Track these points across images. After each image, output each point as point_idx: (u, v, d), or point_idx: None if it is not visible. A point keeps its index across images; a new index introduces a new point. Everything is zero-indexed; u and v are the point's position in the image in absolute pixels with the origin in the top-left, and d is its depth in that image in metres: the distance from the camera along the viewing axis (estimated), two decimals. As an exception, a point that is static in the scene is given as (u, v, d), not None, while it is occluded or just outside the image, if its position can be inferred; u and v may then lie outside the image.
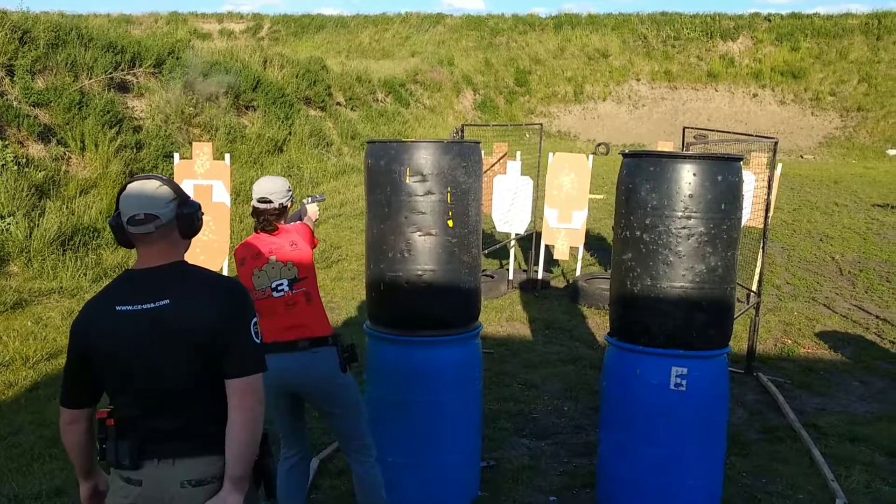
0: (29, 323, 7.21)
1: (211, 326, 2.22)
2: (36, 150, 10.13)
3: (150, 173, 2.44)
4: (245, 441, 2.24)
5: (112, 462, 2.29)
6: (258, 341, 2.30)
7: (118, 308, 2.25)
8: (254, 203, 3.56)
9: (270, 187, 3.57)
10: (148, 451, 2.27)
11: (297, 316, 3.45)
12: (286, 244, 3.52)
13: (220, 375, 2.25)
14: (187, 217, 2.33)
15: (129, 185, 2.32)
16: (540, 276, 9.49)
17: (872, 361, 6.96)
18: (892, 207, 14.97)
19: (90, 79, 11.74)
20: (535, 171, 9.66)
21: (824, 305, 8.76)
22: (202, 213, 2.42)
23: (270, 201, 3.54)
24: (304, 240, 3.60)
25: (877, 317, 8.34)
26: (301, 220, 3.85)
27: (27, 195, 9.09)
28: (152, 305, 2.23)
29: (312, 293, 3.53)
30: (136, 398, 2.28)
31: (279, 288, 3.46)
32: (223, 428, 2.25)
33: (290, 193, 3.65)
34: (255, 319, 2.31)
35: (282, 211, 3.59)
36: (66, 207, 9.55)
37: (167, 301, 2.23)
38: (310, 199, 4.02)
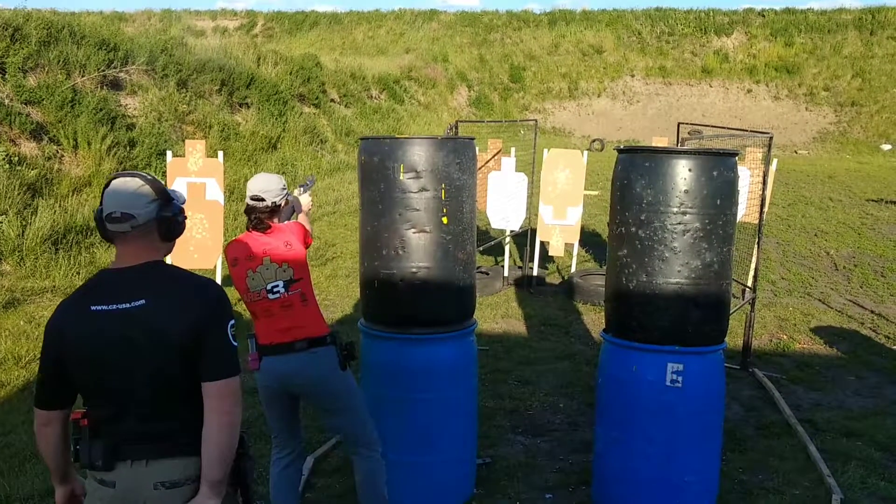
0: (21, 322, 7.17)
1: (188, 328, 2.18)
2: (28, 148, 10.07)
3: (137, 171, 2.39)
4: (222, 444, 2.20)
5: (86, 463, 2.27)
6: (235, 343, 2.27)
7: (93, 308, 2.21)
8: (247, 200, 3.52)
9: (263, 185, 3.52)
10: (121, 453, 2.24)
11: (294, 317, 3.42)
12: (281, 244, 3.46)
13: (195, 377, 2.22)
14: (167, 220, 2.30)
15: (112, 181, 2.30)
16: (535, 272, 9.47)
17: (867, 356, 6.97)
18: (887, 202, 14.98)
19: (83, 76, 11.67)
20: (530, 167, 9.64)
21: (819, 301, 8.76)
22: (184, 217, 2.39)
23: (263, 199, 3.48)
24: (298, 239, 3.55)
25: (871, 311, 8.35)
26: (294, 214, 3.79)
27: (19, 194, 9.04)
28: (128, 305, 2.19)
29: (307, 293, 3.49)
30: (109, 399, 2.25)
31: (275, 290, 3.41)
32: (198, 430, 2.21)
33: (286, 192, 3.59)
34: (231, 322, 2.27)
35: (274, 209, 3.53)
36: (59, 206, 9.50)
37: (143, 301, 2.20)
38: (300, 188, 3.95)
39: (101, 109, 11.24)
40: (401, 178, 3.84)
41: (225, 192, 7.75)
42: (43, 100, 10.68)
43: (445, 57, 30.87)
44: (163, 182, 2.35)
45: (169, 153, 7.74)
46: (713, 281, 3.78)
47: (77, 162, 10.51)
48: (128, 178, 2.29)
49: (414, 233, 3.89)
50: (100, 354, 2.21)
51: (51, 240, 8.80)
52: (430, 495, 4.12)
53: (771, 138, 6.96)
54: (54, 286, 8.06)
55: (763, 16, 31.96)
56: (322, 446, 4.82)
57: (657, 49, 31.89)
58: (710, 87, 30.33)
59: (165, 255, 2.38)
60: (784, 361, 6.84)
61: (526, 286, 9.30)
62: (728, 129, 8.00)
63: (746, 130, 8.62)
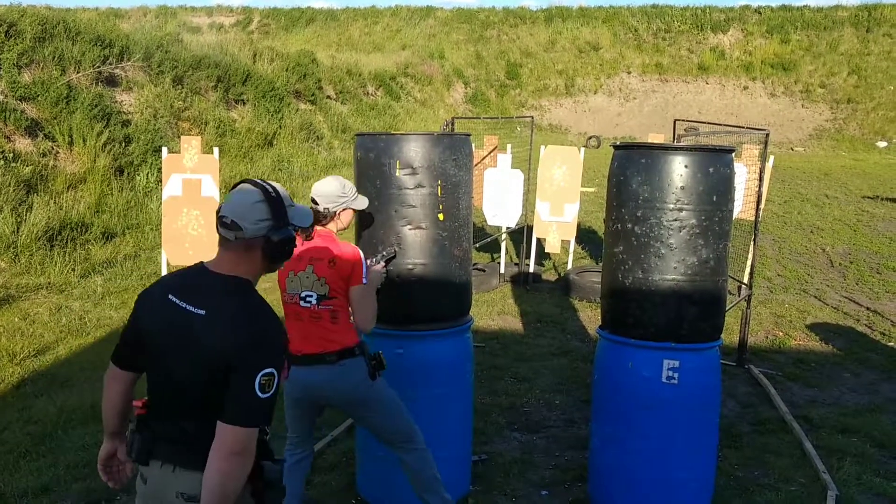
0: (16, 319, 7.15)
1: (225, 353, 2.11)
2: (23, 144, 10.04)
3: (267, 182, 2.30)
4: (214, 491, 2.07)
5: (129, 452, 2.31)
6: (261, 395, 2.10)
7: (170, 296, 2.23)
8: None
9: (320, 189, 3.46)
10: (156, 452, 2.24)
11: (321, 330, 3.39)
12: (326, 260, 3.38)
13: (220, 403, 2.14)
14: (271, 244, 2.24)
15: (239, 185, 2.28)
16: (531, 269, 9.47)
17: (863, 353, 6.98)
18: (882, 199, 15.01)
19: (78, 73, 11.64)
20: (527, 164, 9.63)
21: (815, 297, 8.77)
22: (293, 246, 2.31)
23: (317, 203, 3.44)
24: (345, 267, 3.37)
25: (867, 308, 8.36)
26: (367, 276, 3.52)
27: (14, 190, 9.02)
28: (192, 309, 2.18)
29: (339, 312, 3.41)
30: (156, 390, 2.28)
31: (307, 299, 3.39)
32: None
33: (344, 200, 3.48)
34: (267, 370, 2.11)
35: (327, 216, 3.45)
36: (54, 202, 9.48)
37: (204, 312, 2.17)
38: (377, 257, 3.76)
39: (96, 106, 11.21)
40: (397, 174, 3.83)
41: (221, 189, 7.72)
42: (38, 96, 10.66)
43: (442, 54, 30.85)
44: (288, 201, 2.29)
45: (164, 149, 7.71)
46: (709, 277, 3.78)
47: (72, 158, 10.48)
48: (251, 188, 2.25)
49: (410, 229, 3.88)
50: (156, 341, 2.23)
51: (46, 236, 8.79)
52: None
53: (767, 135, 6.96)
54: (49, 283, 8.05)
55: (759, 13, 31.98)
56: (318, 443, 4.80)
57: (654, 46, 31.90)
58: (707, 84, 30.35)
59: (265, 273, 2.33)
60: (780, 358, 6.85)
61: (522, 283, 9.30)
62: (724, 125, 8.00)
63: (743, 127, 8.63)
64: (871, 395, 6.01)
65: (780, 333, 7.52)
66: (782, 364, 6.67)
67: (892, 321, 7.89)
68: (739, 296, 7.54)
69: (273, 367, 2.13)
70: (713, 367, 3.96)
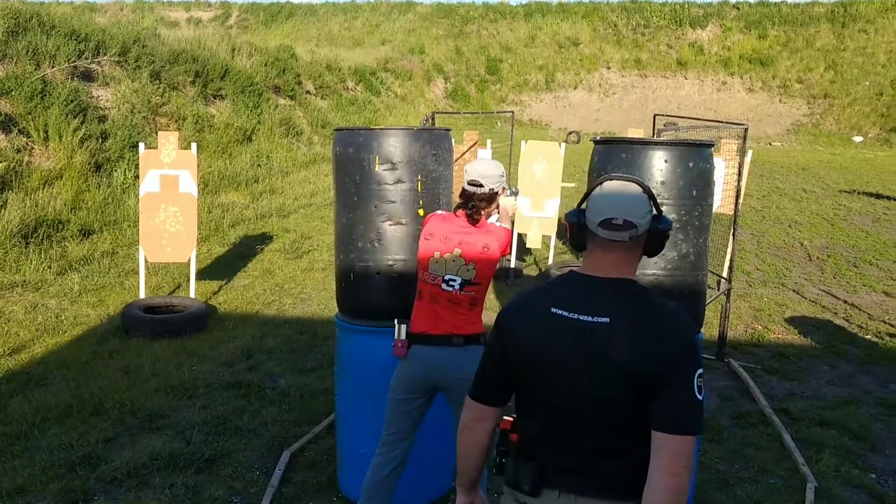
0: (-9, 317, 7.05)
1: (649, 364, 1.92)
2: (-3, 140, 9.89)
3: (631, 175, 2.15)
4: None
5: (510, 482, 2.12)
6: (699, 398, 1.94)
7: (553, 309, 2.03)
8: (464, 185, 3.36)
9: (484, 170, 3.36)
10: (550, 480, 2.05)
11: (456, 315, 3.31)
12: (479, 244, 3.32)
13: (645, 417, 1.94)
14: (660, 234, 2.08)
15: (607, 184, 2.09)
16: (513, 264, 9.47)
17: (841, 346, 7.03)
18: (859, 193, 15.16)
19: (53, 67, 11.48)
20: (507, 159, 9.62)
21: (793, 291, 8.84)
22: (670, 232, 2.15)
23: (481, 185, 3.33)
24: (499, 246, 3.36)
25: (845, 301, 8.44)
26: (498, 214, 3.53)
27: (-12, 187, 8.89)
28: (589, 318, 1.98)
29: (479, 299, 3.36)
30: (548, 415, 2.06)
31: (450, 282, 3.31)
32: (640, 475, 1.94)
33: (504, 179, 3.43)
34: (699, 371, 1.96)
35: (492, 197, 3.38)
36: (30, 199, 9.35)
37: (606, 319, 1.97)
38: (508, 191, 3.68)
39: (72, 101, 11.06)
40: (376, 169, 3.80)
41: (199, 185, 7.67)
42: (11, 91, 10.50)
43: (422, 49, 30.80)
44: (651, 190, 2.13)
45: (141, 145, 7.62)
46: (689, 272, 3.78)
47: (48, 154, 10.34)
48: (626, 183, 2.08)
49: (390, 225, 3.85)
50: (546, 361, 2.02)
51: (20, 234, 8.65)
52: (410, 489, 4.09)
53: (746, 130, 6.99)
54: (25, 280, 7.93)
55: (737, 8, 32.20)
56: (298, 441, 4.78)
57: (633, 41, 32.04)
58: (686, 79, 30.54)
59: (635, 272, 2.15)
60: (759, 351, 6.89)
61: (503, 278, 9.29)
62: (703, 120, 8.03)
63: (721, 122, 8.66)
64: (849, 388, 6.06)
65: (760, 327, 7.57)
66: (761, 357, 6.71)
67: (869, 314, 7.97)
68: (719, 290, 7.58)
69: (701, 364, 1.99)
70: (694, 362, 3.96)
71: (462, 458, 2.22)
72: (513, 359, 2.08)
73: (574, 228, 2.11)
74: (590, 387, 1.97)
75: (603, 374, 1.95)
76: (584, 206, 2.10)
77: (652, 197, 2.07)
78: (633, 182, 2.08)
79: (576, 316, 1.99)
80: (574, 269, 2.13)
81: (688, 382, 1.92)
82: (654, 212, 2.07)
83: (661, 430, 1.90)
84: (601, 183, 2.10)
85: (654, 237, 2.07)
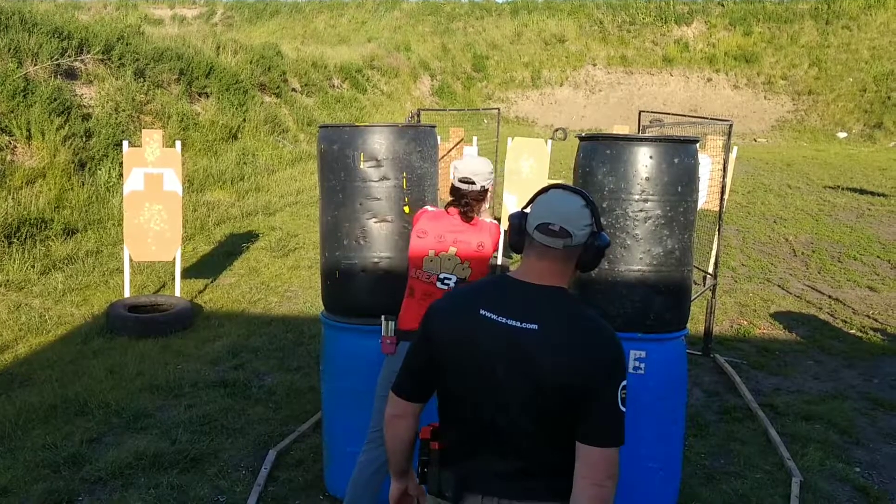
0: (-26, 318, 6.98)
1: (577, 376, 1.93)
2: (-21, 139, 9.80)
3: (575, 187, 2.15)
4: None
5: (433, 490, 2.13)
6: (623, 409, 1.96)
7: (482, 311, 2.02)
8: (454, 183, 3.35)
9: (475, 167, 3.35)
10: (472, 485, 2.05)
11: None
12: (474, 243, 3.32)
13: (572, 425, 1.96)
14: (595, 249, 2.07)
15: (551, 190, 2.10)
16: (499, 261, 9.48)
17: (826, 341, 7.08)
18: (843, 189, 15.26)
19: (35, 65, 11.38)
20: (493, 156, 9.62)
21: (778, 286, 8.88)
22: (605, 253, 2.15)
23: (473, 182, 3.32)
24: (492, 242, 3.39)
25: (829, 296, 8.49)
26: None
27: (-30, 186, 8.80)
28: (517, 324, 1.98)
29: None
30: (470, 420, 2.06)
31: (445, 281, 3.32)
32: (565, 480, 1.96)
33: (493, 175, 3.43)
34: (624, 383, 1.97)
35: (483, 194, 3.37)
36: (12, 198, 9.27)
37: (535, 326, 1.97)
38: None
39: (55, 99, 10.97)
40: (361, 166, 3.79)
41: (184, 183, 7.62)
42: (-7, 89, 10.40)
43: (408, 46, 30.74)
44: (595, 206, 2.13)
45: (125, 143, 7.56)
46: (675, 268, 3.79)
47: (31, 153, 10.26)
48: (571, 194, 2.08)
49: (375, 222, 3.84)
50: (470, 362, 2.02)
51: (3, 233, 8.58)
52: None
53: (731, 126, 7.02)
54: (7, 280, 7.86)
55: (722, 5, 32.33)
56: (284, 439, 4.76)
57: (618, 38, 32.11)
58: (671, 75, 30.64)
59: (569, 284, 2.13)
60: (744, 347, 6.92)
61: (490, 275, 9.29)
62: (688, 116, 8.06)
63: (707, 118, 8.70)
64: (834, 383, 6.10)
65: (745, 322, 7.60)
66: (747, 353, 6.74)
67: (853, 309, 8.02)
68: (704, 286, 7.61)
69: (625, 376, 2.00)
70: (679, 357, 3.98)
71: (390, 450, 2.25)
72: (437, 357, 2.08)
73: (514, 230, 2.12)
74: (513, 391, 1.97)
75: (528, 381, 1.95)
76: (527, 209, 2.11)
77: (595, 213, 2.07)
78: (580, 194, 2.09)
79: (504, 320, 1.99)
80: (510, 274, 2.11)
81: (613, 396, 1.94)
82: (595, 228, 2.07)
83: (586, 443, 1.93)
84: (548, 189, 2.11)
85: (588, 251, 2.07)
